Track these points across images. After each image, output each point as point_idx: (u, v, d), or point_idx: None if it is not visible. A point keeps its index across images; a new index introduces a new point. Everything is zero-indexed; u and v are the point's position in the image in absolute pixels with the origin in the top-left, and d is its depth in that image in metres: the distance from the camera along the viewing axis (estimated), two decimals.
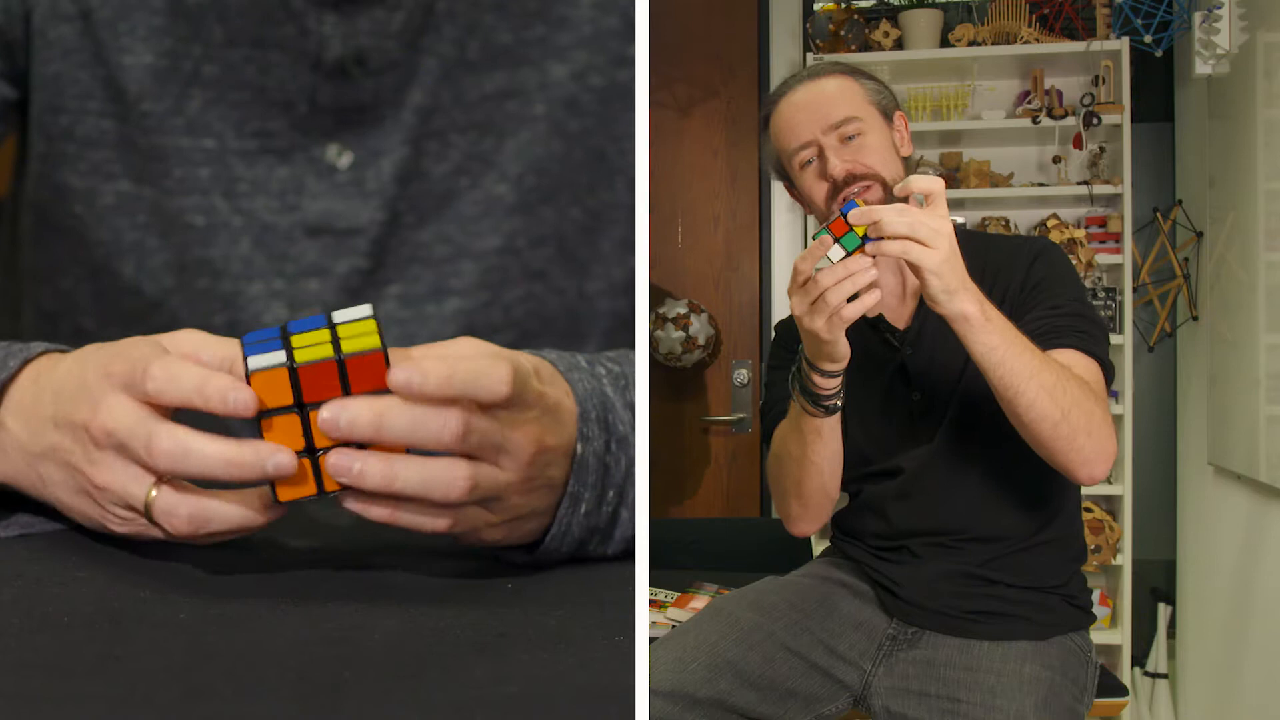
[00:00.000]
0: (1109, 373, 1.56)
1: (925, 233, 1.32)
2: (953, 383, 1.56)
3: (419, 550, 0.83)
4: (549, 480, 0.83)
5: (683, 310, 3.31)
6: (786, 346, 1.78)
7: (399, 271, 1.15)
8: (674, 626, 1.96)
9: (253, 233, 1.13)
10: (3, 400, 0.82)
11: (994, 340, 1.38)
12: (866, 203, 1.48)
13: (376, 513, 0.77)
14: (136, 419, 0.75)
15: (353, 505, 0.77)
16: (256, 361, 0.75)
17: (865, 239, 1.32)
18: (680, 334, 3.28)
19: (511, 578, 0.82)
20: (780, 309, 3.41)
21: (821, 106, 1.61)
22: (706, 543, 2.83)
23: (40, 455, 0.80)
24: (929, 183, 1.39)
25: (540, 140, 1.14)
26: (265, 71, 1.11)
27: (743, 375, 3.43)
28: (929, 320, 1.59)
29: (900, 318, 1.68)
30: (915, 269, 1.34)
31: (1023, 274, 1.59)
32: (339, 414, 0.74)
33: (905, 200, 1.49)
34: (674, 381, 3.42)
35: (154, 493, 0.75)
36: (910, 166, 1.69)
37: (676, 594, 2.20)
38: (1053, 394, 1.40)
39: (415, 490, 0.75)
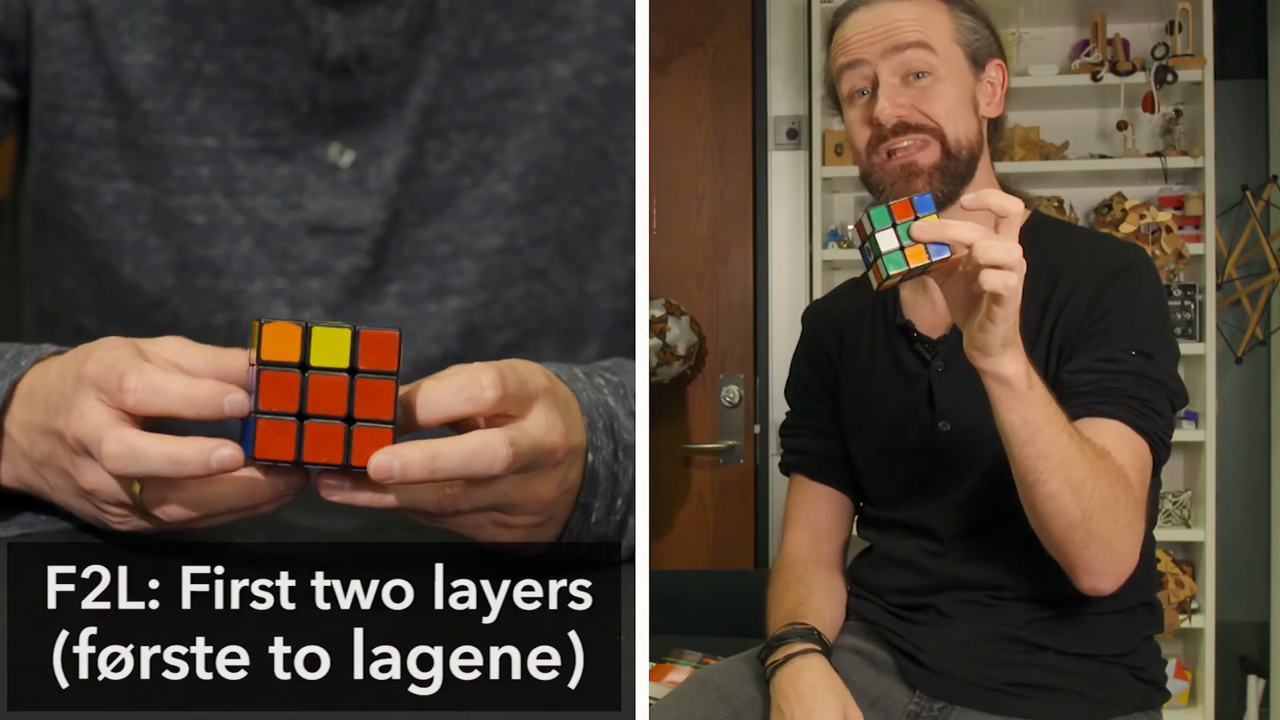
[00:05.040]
0: (1163, 453, 1.56)
1: (1017, 266, 1.30)
2: (992, 419, 1.50)
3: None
4: (570, 484, 1.02)
5: (658, 313, 3.35)
6: (816, 348, 1.84)
7: (400, 270, 1.32)
8: (651, 703, 1.92)
9: (254, 232, 1.31)
10: (9, 407, 1.03)
11: (1031, 414, 1.39)
12: (918, 164, 1.56)
13: (363, 498, 0.97)
14: (97, 424, 0.95)
15: (334, 495, 0.96)
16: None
17: (933, 249, 1.33)
18: (655, 342, 3.31)
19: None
20: (780, 309, 3.41)
21: (888, 28, 1.62)
22: (689, 600, 2.81)
23: (40, 463, 1.01)
24: (1007, 203, 1.33)
25: (542, 139, 1.32)
26: (267, 70, 1.30)
27: (733, 393, 3.43)
28: None
29: (935, 326, 1.70)
30: (989, 309, 1.31)
31: (1089, 298, 1.58)
32: (391, 461, 0.93)
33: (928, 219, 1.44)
34: (649, 400, 3.29)
35: (137, 485, 0.95)
36: (998, 132, 1.70)
37: (651, 664, 2.25)
38: (1079, 491, 1.42)
39: (458, 470, 0.95)
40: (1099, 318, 1.57)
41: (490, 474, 0.94)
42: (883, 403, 1.72)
